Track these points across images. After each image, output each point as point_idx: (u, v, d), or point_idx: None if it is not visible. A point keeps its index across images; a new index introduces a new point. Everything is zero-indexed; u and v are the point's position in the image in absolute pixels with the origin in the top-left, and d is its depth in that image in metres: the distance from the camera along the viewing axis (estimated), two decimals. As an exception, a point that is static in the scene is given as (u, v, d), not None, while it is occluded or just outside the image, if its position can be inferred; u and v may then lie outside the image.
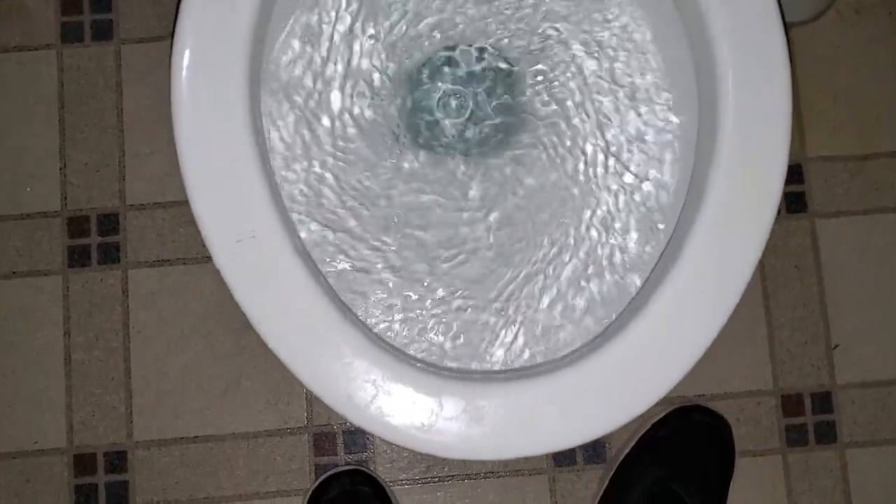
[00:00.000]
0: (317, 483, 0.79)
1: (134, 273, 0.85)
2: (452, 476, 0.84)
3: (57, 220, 0.86)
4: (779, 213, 0.87)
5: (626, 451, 0.81)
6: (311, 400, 0.84)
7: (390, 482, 0.83)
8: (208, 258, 0.58)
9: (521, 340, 0.66)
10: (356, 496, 0.78)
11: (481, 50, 0.72)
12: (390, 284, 0.67)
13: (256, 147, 0.54)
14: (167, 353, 0.84)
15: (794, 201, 0.87)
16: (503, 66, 0.72)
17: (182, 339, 0.84)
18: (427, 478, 0.83)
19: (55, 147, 0.86)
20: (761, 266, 0.86)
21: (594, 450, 0.84)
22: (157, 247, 0.85)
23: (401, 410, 0.53)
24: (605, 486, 0.81)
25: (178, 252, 0.85)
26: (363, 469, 0.80)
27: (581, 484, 0.84)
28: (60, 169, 0.86)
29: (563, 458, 0.84)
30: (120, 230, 0.86)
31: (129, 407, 0.84)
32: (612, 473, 0.80)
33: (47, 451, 0.83)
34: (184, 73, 0.54)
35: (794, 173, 0.88)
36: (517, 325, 0.67)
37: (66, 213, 0.86)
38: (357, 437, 0.84)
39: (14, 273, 0.85)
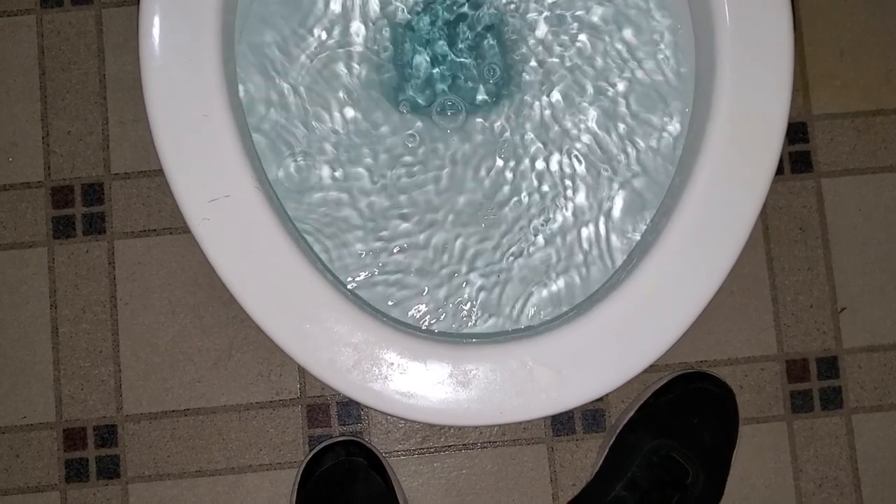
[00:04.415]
0: (311, 455, 0.78)
1: (120, 243, 0.83)
2: (449, 446, 0.82)
3: (41, 191, 0.84)
4: (783, 173, 0.85)
5: (627, 419, 0.79)
6: (304, 371, 0.82)
7: (385, 453, 0.81)
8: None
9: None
10: (351, 467, 0.77)
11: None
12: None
13: (230, 101, 0.52)
14: (156, 325, 0.82)
15: (798, 161, 0.85)
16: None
17: (170, 310, 0.83)
18: (423, 448, 0.82)
19: (37, 116, 0.84)
20: (765, 228, 0.84)
21: (593, 418, 0.82)
22: (143, 216, 0.83)
23: (384, 375, 0.51)
24: (604, 454, 0.79)
25: (164, 221, 0.83)
26: (358, 440, 0.79)
27: (580, 453, 0.82)
28: (43, 138, 0.84)
29: (562, 427, 0.82)
30: (105, 200, 0.84)
31: (118, 380, 0.82)
32: (611, 442, 0.79)
33: (36, 425, 0.82)
34: (153, 22, 0.51)
35: (799, 132, 0.85)
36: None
37: (49, 183, 0.84)
38: (351, 408, 0.82)
39: (-2, 245, 0.83)
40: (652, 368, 0.80)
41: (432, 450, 0.82)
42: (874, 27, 0.86)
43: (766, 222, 0.84)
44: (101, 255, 0.83)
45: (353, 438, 0.79)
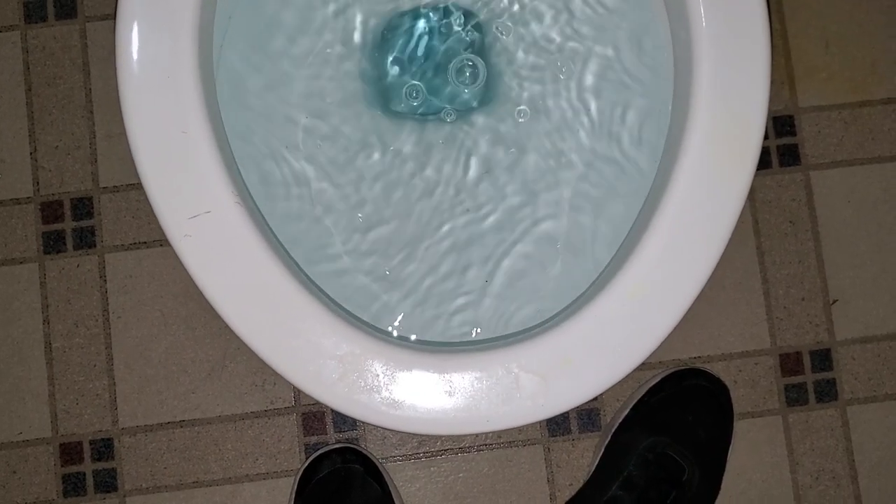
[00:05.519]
0: (307, 462, 0.78)
1: (111, 257, 0.83)
2: (445, 451, 0.82)
3: (30, 207, 0.84)
4: (771, 166, 0.85)
5: (621, 417, 0.79)
6: (299, 379, 0.82)
7: (382, 459, 0.81)
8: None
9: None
10: (347, 474, 0.77)
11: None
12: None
13: (209, 116, 0.52)
14: (149, 338, 0.82)
15: (786, 154, 0.85)
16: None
17: (163, 322, 0.83)
18: (419, 453, 0.82)
19: (24, 131, 0.84)
20: (755, 222, 0.84)
21: (588, 418, 0.82)
22: (133, 229, 0.83)
23: (370, 387, 0.51)
24: (600, 454, 0.79)
25: (154, 234, 0.83)
26: (354, 447, 0.79)
27: (576, 453, 0.82)
28: (31, 154, 0.84)
29: (558, 427, 0.82)
30: (94, 214, 0.84)
31: (113, 393, 0.82)
32: (607, 441, 0.79)
33: (32, 441, 0.82)
34: (130, 39, 0.51)
35: (787, 125, 0.85)
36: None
37: (38, 198, 0.84)
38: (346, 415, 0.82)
39: (-11, 262, 0.83)
40: (645, 366, 0.80)
41: (428, 454, 0.82)
42: (858, 18, 0.86)
43: (755, 216, 0.84)
44: (93, 268, 0.83)
45: (349, 445, 0.79)
